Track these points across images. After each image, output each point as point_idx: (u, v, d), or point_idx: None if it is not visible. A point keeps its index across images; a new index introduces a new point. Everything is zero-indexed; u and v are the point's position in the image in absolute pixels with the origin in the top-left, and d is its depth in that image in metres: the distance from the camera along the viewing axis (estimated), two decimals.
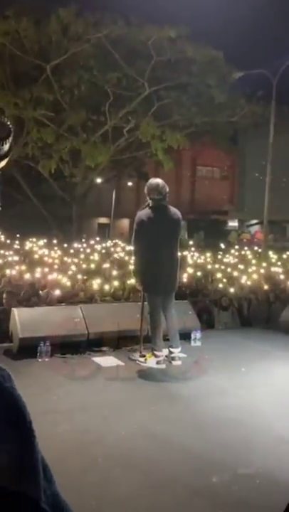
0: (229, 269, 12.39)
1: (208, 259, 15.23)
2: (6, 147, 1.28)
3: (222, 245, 23.56)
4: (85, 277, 9.85)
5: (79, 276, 9.72)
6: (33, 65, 18.64)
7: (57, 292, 7.89)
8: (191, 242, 24.74)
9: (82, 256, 14.58)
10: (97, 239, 24.27)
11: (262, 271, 11.97)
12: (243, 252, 19.35)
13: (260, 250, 20.56)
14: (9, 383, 0.85)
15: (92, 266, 12.02)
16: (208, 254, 16.50)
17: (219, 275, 11.13)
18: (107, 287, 9.02)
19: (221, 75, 19.32)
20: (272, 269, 12.75)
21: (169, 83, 19.26)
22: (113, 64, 18.45)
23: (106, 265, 11.94)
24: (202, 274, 11.47)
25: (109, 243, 21.41)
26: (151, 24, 17.89)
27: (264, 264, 13.46)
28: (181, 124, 20.33)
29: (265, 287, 9.89)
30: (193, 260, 14.50)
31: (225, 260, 15.26)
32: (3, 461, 0.76)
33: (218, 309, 9.08)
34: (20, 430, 0.81)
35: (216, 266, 13.24)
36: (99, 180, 25.97)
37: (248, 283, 10.36)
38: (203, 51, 18.64)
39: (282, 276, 11.25)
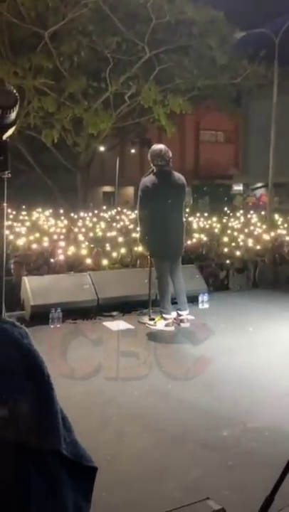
0: (236, 233, 12.43)
1: (214, 224, 15.26)
2: (13, 115, 1.32)
3: (227, 210, 23.53)
4: (92, 245, 9.94)
5: (86, 244, 9.81)
6: (30, 33, 18.33)
7: (61, 257, 7.98)
8: (187, 210, 24.69)
9: (89, 224, 14.66)
10: (104, 207, 24.31)
11: (272, 233, 12.00)
12: (248, 216, 19.35)
13: (263, 213, 20.56)
14: (27, 340, 0.89)
15: (100, 234, 12.10)
16: (214, 219, 16.52)
17: (226, 239, 11.19)
18: (114, 254, 9.12)
19: (222, 35, 18.95)
20: (278, 231, 12.79)
21: (169, 46, 18.93)
22: (112, 28, 18.12)
23: (113, 233, 12.02)
24: (209, 239, 11.54)
25: (114, 211, 21.44)
26: None
27: (268, 227, 13.49)
28: (183, 87, 20.03)
29: (272, 249, 9.95)
30: (198, 225, 14.54)
31: (230, 224, 15.29)
32: (24, 412, 0.82)
33: (232, 272, 9.19)
34: (38, 382, 0.86)
35: (222, 230, 13.29)
36: (102, 149, 25.79)
37: (255, 246, 10.42)
38: (203, 11, 18.25)
39: (288, 238, 11.30)
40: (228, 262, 9.39)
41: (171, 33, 18.91)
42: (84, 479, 0.91)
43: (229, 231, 12.98)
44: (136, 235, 8.89)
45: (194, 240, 10.63)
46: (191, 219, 15.71)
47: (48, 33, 17.81)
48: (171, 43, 18.90)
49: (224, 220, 16.64)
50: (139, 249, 8.25)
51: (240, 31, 19.18)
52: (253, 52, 19.97)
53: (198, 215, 19.28)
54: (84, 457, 0.93)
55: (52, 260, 8.40)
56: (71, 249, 8.89)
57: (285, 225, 15.41)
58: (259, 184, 38.71)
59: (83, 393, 4.28)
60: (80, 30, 18.27)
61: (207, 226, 14.87)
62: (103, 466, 3.15)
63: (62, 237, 11.24)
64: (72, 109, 18.99)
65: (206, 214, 19.53)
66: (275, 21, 19.09)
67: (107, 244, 10.03)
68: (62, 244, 9.55)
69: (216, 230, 13.53)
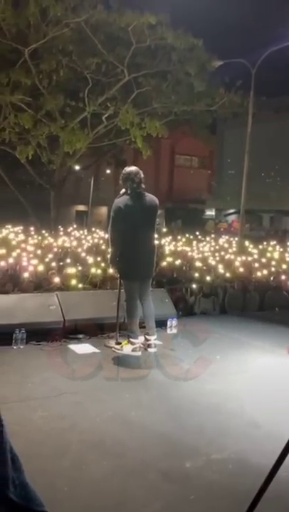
0: (206, 257, 12.46)
1: (185, 248, 15.31)
2: None
3: (198, 234, 23.72)
4: (61, 263, 9.82)
5: (53, 264, 9.68)
6: (10, 49, 18.28)
7: (26, 275, 7.84)
8: (164, 230, 24.83)
9: (59, 243, 14.53)
10: (75, 226, 24.22)
11: (239, 259, 12.08)
12: (220, 242, 19.51)
13: (232, 240, 20.80)
14: None
15: (69, 253, 11.98)
16: (187, 243, 16.59)
17: (198, 264, 11.19)
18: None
19: (200, 63, 19.24)
20: (249, 258, 12.88)
21: (148, 70, 19.11)
22: (92, 49, 18.21)
23: (83, 253, 11.92)
24: (180, 263, 11.53)
25: (86, 231, 21.38)
26: (131, 10, 17.70)
27: (238, 253, 13.60)
28: (160, 112, 20.21)
29: (242, 276, 9.99)
30: (169, 249, 14.55)
31: (201, 249, 15.36)
32: None
33: (199, 297, 9.16)
34: None
35: (194, 254, 13.32)
36: (77, 167, 25.74)
37: (224, 272, 10.45)
38: (183, 38, 18.52)
39: (256, 265, 11.38)
40: (194, 286, 9.35)
41: (150, 58, 19.12)
42: None
43: (200, 255, 13.01)
44: (107, 256, 8.80)
45: (165, 263, 10.60)
46: (163, 242, 15.73)
47: (28, 50, 17.80)
48: (150, 67, 19.09)
49: (194, 244, 16.70)
50: (110, 270, 8.17)
51: (218, 60, 19.53)
52: (230, 81, 20.33)
53: (170, 237, 19.35)
54: (33, 501, 0.85)
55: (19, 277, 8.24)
56: (39, 268, 8.74)
57: (255, 251, 15.56)
58: (231, 210, 39.23)
59: (44, 418, 4.14)
60: (60, 49, 18.31)
61: (179, 249, 14.90)
62: (60, 498, 3.03)
63: (30, 255, 11.05)
64: (48, 127, 18.94)
65: (178, 237, 19.63)
66: (252, 53, 19.52)
67: (78, 264, 9.93)
68: (30, 261, 9.39)
69: (189, 254, 13.54)
